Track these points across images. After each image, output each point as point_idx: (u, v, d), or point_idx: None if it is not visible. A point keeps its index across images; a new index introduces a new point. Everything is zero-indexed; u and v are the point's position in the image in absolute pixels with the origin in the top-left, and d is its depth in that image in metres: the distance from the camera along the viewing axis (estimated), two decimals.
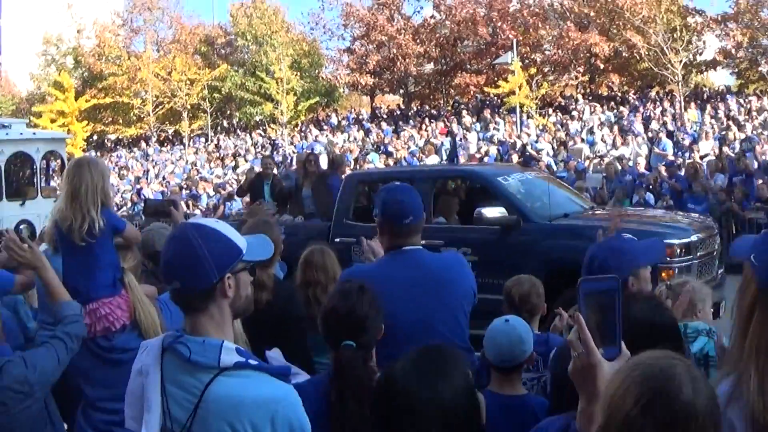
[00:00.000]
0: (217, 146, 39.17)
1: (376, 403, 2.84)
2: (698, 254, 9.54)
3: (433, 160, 24.57)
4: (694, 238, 9.57)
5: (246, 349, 2.57)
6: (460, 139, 25.80)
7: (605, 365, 2.04)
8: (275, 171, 15.33)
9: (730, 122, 24.53)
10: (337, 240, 10.46)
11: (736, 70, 38.75)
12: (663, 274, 8.54)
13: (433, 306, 3.88)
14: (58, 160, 21.20)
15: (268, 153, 27.29)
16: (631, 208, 14.86)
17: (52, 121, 37.51)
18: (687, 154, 21.11)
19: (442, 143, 27.60)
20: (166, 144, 43.98)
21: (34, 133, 21.59)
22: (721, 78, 45.83)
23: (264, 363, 2.57)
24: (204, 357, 2.42)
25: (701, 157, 20.50)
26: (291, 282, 5.45)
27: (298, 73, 41.33)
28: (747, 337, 2.18)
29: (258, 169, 17.15)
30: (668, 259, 8.83)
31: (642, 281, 3.65)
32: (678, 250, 9.22)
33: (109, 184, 4.54)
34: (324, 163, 15.10)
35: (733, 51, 36.18)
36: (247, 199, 23.33)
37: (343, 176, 12.51)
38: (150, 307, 4.30)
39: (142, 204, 16.89)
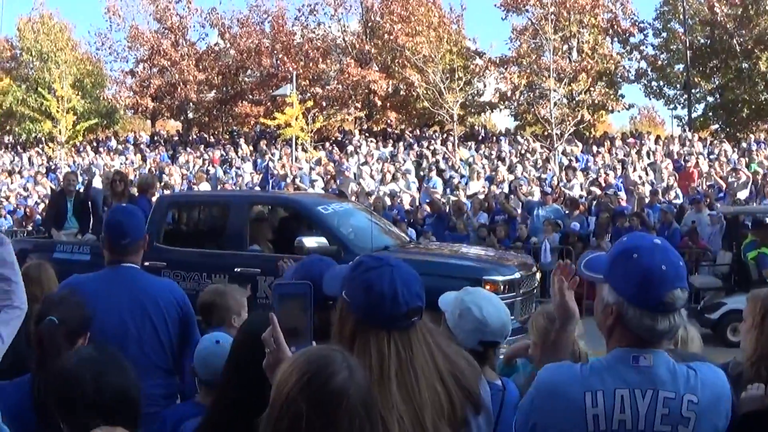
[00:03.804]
0: None
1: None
2: (521, 291, 9.70)
3: (204, 187, 24.16)
4: (517, 275, 9.70)
5: None
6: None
7: None
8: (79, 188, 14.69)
9: (500, 163, 24.95)
10: (147, 263, 9.69)
11: (514, 112, 39.83)
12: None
13: (139, 318, 4.28)
14: None
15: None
16: (452, 244, 14.40)
17: None
18: (456, 193, 21.03)
19: (215, 171, 27.66)
20: None
21: None
22: (503, 120, 47.23)
23: None
24: None
25: (469, 196, 20.50)
26: None
27: (80, 93, 39.98)
28: None
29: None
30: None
31: None
32: (502, 287, 9.24)
33: None
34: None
35: (509, 93, 37.05)
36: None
37: (153, 198, 12.18)
38: None
39: None
